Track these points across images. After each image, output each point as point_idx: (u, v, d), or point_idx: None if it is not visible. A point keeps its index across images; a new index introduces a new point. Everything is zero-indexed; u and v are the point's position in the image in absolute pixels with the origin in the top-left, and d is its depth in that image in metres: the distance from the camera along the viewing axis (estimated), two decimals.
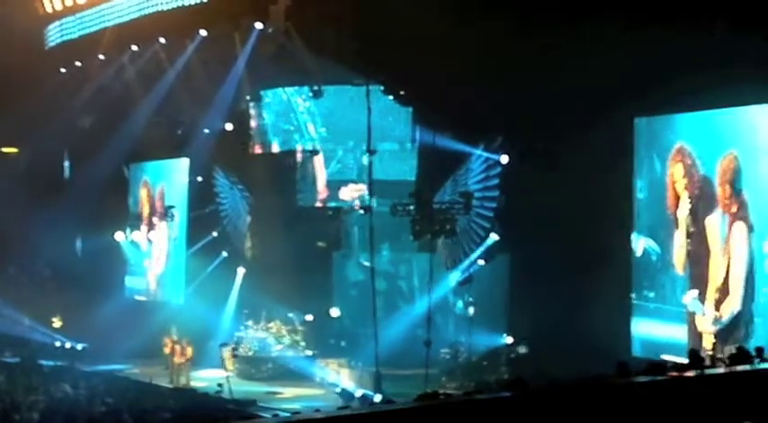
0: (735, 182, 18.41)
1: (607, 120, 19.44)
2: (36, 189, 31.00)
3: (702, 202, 19.11)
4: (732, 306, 18.52)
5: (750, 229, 18.18)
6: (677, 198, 19.65)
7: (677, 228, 19.59)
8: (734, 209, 18.46)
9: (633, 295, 20.26)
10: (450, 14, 19.80)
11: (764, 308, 17.95)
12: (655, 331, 19.80)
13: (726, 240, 18.58)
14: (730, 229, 18.51)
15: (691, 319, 19.21)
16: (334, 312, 27.54)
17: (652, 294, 20.12)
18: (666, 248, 19.84)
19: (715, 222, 18.87)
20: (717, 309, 18.76)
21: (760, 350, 12.07)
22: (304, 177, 28.76)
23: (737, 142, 18.55)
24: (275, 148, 28.95)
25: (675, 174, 19.61)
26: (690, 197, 19.40)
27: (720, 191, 18.67)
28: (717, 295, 18.77)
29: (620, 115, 19.73)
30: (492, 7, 19.80)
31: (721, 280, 18.68)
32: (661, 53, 17.93)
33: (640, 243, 20.33)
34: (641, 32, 18.08)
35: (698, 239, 19.19)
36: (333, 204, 28.26)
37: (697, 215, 19.25)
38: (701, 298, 19.02)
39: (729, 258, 18.53)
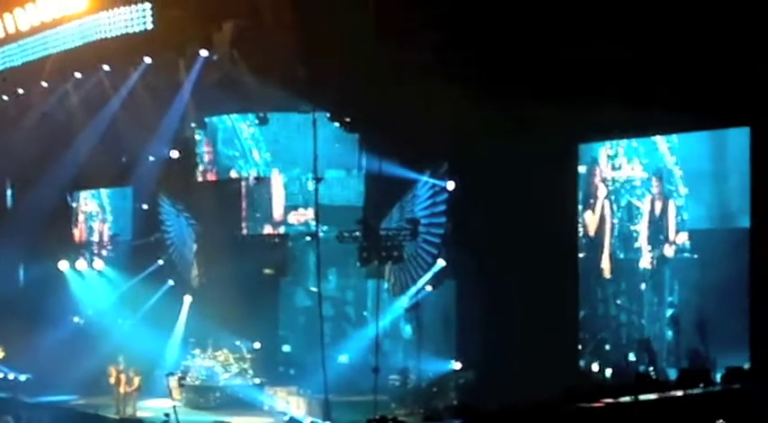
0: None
1: (551, 145, 19.64)
2: None
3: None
4: None
5: None
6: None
7: None
8: None
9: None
10: (396, 43, 19.93)
11: None
12: None
13: None
14: None
15: None
16: (286, 348, 27.52)
17: None
18: None
19: None
20: None
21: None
22: (251, 204, 28.68)
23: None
24: (221, 175, 28.84)
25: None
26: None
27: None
28: None
29: (565, 141, 19.95)
30: (438, 37, 19.96)
31: None
32: (605, 78, 18.15)
33: None
34: (585, 56, 18.31)
35: None
36: (284, 229, 28.21)
37: None
38: None
39: None
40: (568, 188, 20.41)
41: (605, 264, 21.27)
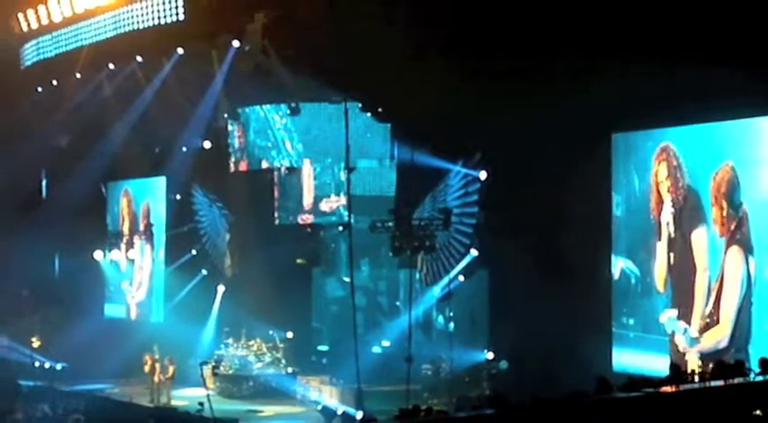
0: (732, 197, 17.49)
1: (586, 135, 19.53)
2: (13, 208, 30.87)
3: (687, 211, 18.47)
4: (719, 336, 17.79)
5: (748, 252, 17.31)
6: (660, 202, 18.97)
7: (659, 238, 18.99)
8: (731, 229, 17.60)
9: (613, 323, 19.84)
10: (428, 33, 19.89)
11: (762, 336, 17.09)
12: (637, 362, 19.12)
13: (718, 263, 17.79)
14: (726, 252, 17.66)
15: (672, 342, 18.68)
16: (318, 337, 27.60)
17: (632, 322, 19.61)
18: (646, 270, 19.28)
19: (702, 239, 18.12)
20: (701, 334, 18.16)
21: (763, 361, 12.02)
22: (284, 194, 28.78)
23: (731, 154, 17.74)
24: (253, 165, 28.94)
25: (660, 173, 18.94)
26: (673, 202, 18.74)
27: (716, 209, 17.84)
28: (702, 321, 18.12)
29: (598, 131, 19.82)
30: (469, 27, 19.89)
31: (709, 305, 18.02)
32: (640, 68, 18.01)
33: (618, 264, 19.95)
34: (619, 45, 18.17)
35: (682, 252, 18.56)
36: (316, 217, 28.28)
37: (681, 225, 18.63)
38: (685, 319, 18.45)
39: (721, 285, 17.73)
40: (602, 178, 20.26)
41: None
